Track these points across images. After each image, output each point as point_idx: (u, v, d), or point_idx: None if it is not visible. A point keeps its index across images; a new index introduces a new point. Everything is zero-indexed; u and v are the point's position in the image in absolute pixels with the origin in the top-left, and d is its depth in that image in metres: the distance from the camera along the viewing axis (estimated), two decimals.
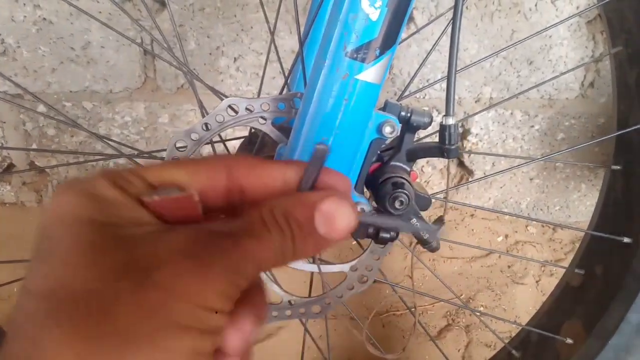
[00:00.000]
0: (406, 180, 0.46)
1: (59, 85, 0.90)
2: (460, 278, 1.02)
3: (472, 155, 1.05)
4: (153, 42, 0.90)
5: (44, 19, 0.84)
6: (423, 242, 0.47)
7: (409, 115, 0.46)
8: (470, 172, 1.07)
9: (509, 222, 1.09)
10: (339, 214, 0.25)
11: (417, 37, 0.92)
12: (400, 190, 0.45)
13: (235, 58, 0.92)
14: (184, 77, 0.93)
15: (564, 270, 0.73)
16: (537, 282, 1.02)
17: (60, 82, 0.90)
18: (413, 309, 0.50)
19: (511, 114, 1.02)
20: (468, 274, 1.03)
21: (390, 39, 0.41)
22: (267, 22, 0.61)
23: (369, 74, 0.42)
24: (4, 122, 0.91)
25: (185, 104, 0.95)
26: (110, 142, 0.57)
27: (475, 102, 1.00)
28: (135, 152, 0.59)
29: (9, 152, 0.93)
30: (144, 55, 0.91)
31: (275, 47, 0.55)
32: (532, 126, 1.03)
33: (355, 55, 0.40)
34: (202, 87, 0.60)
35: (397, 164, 0.48)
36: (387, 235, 0.49)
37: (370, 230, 0.50)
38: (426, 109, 0.47)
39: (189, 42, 0.89)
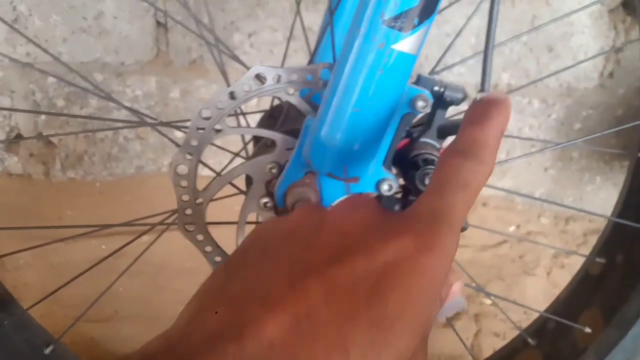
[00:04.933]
0: (437, 157, 0.45)
1: (69, 56, 0.88)
2: (471, 266, 1.01)
3: None
4: (167, 15, 0.87)
5: None
6: None
7: (442, 90, 0.44)
8: None
9: (521, 212, 1.08)
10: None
11: (437, 19, 0.90)
12: (431, 167, 0.43)
13: (249, 34, 0.90)
14: (197, 52, 0.91)
15: (576, 262, 0.72)
16: (548, 273, 1.01)
17: (71, 53, 0.88)
18: None
19: (529, 102, 1.00)
20: (479, 262, 1.02)
21: (429, 8, 0.40)
22: None
23: (406, 43, 0.40)
24: (13, 92, 0.89)
25: (197, 79, 0.93)
26: (132, 111, 0.55)
27: (493, 87, 0.99)
28: (157, 121, 0.58)
29: (17, 122, 0.91)
30: (157, 28, 0.89)
31: (302, 20, 0.53)
32: (550, 115, 1.02)
33: (393, 24, 0.39)
34: (213, 61, 0.58)
35: (427, 140, 0.46)
36: None
37: (397, 207, 0.48)
38: (460, 84, 0.45)
39: (202, 16, 0.87)
